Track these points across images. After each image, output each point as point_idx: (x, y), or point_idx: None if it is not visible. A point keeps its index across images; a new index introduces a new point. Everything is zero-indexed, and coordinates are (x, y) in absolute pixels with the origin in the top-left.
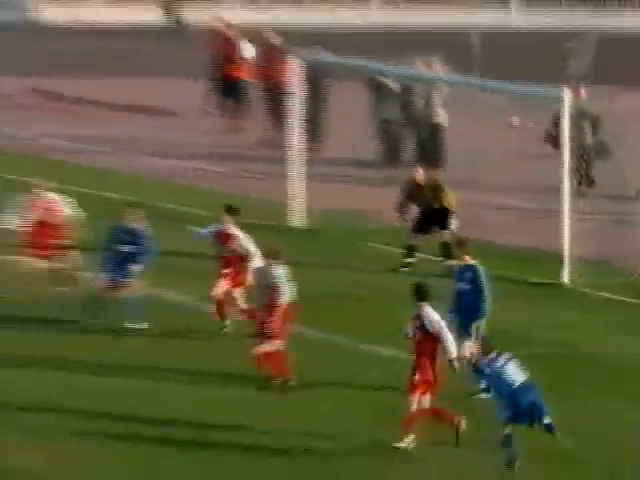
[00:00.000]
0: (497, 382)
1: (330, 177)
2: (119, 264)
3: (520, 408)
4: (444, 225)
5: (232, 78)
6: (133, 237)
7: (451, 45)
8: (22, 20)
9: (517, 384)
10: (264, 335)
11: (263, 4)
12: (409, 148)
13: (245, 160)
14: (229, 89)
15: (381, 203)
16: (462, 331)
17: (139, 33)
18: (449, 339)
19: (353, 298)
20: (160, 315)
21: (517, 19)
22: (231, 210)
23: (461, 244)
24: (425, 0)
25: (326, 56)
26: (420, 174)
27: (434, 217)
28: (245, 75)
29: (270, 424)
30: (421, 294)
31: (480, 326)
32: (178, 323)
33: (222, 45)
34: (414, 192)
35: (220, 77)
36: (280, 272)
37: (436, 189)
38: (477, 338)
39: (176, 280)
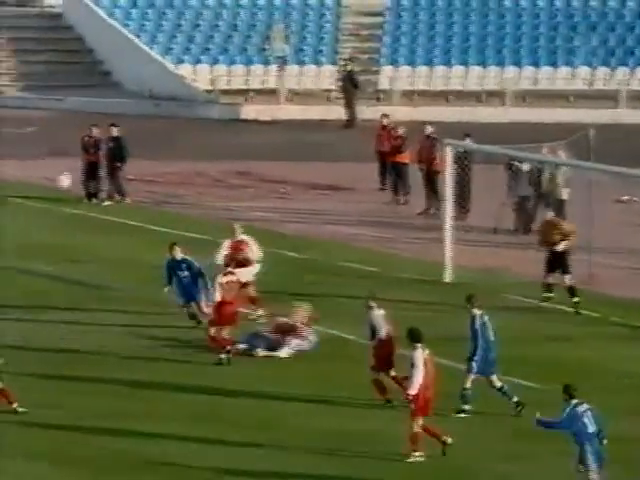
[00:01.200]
0: (579, 428)
1: (474, 241)
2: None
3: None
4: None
5: (397, 162)
6: (188, 266)
7: (571, 136)
8: (225, 116)
9: (591, 431)
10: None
11: (419, 102)
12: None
13: (407, 228)
14: (395, 170)
15: (515, 262)
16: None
17: (321, 126)
18: (413, 378)
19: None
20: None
21: (626, 115)
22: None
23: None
24: (550, 100)
25: (471, 144)
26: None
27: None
28: (408, 159)
29: None
30: (414, 337)
31: None
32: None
33: (387, 136)
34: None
35: (388, 161)
36: (378, 313)
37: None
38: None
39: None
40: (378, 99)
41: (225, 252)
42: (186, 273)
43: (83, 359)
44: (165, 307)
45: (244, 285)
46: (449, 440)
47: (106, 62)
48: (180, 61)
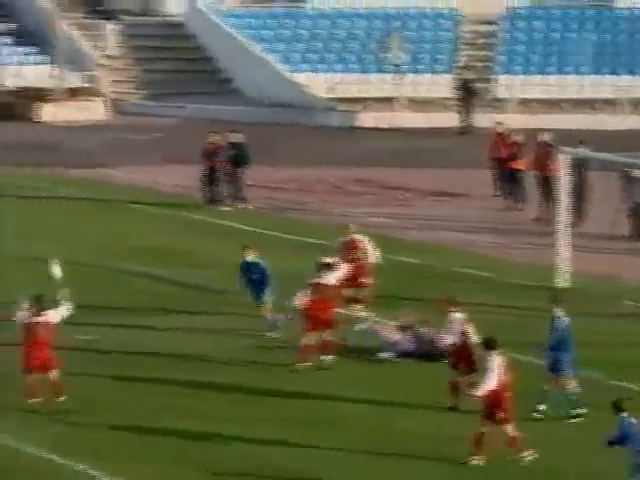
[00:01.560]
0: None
1: (589, 247)
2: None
3: None
4: None
5: (513, 169)
6: (257, 268)
7: None
8: (343, 124)
9: None
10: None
11: (534, 110)
12: None
13: (521, 234)
14: (510, 177)
15: (630, 268)
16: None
17: (437, 133)
18: (484, 378)
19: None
20: None
21: None
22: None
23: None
24: None
25: (586, 151)
26: None
27: None
28: (523, 166)
29: None
30: (489, 344)
31: None
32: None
33: (502, 143)
34: None
35: (503, 168)
36: (457, 317)
37: None
38: None
39: None
40: (494, 107)
41: (337, 250)
42: (256, 275)
43: (194, 360)
44: (278, 311)
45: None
46: (526, 454)
47: (226, 70)
48: (298, 70)
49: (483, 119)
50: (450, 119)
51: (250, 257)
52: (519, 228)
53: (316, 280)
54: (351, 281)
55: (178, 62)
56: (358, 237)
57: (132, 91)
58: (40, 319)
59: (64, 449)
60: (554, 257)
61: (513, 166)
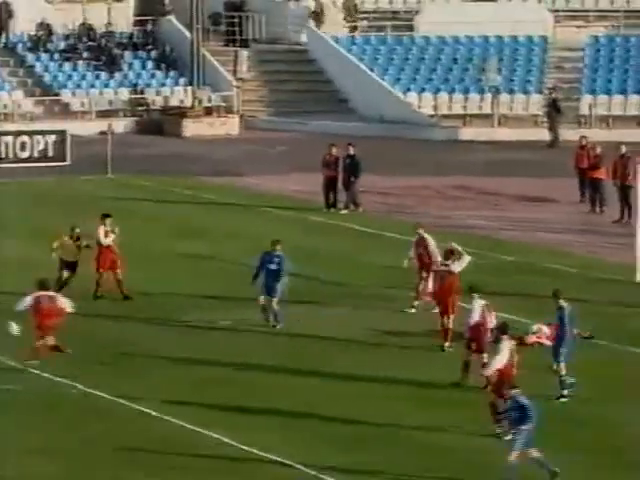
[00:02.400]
0: None
1: None
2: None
3: None
4: None
5: (595, 178)
6: (277, 259)
7: None
8: (446, 138)
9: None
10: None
11: (614, 126)
12: None
13: (603, 234)
14: (592, 185)
15: None
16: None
17: (528, 147)
18: (492, 362)
19: None
20: None
21: None
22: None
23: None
24: None
25: None
26: None
27: None
28: (604, 175)
29: None
30: (500, 330)
31: None
32: None
33: (585, 155)
34: None
35: (585, 176)
36: (479, 302)
37: None
38: None
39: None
40: (579, 123)
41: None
42: (274, 267)
43: (314, 347)
44: (394, 302)
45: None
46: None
47: (343, 91)
48: (407, 90)
49: (569, 134)
50: (540, 134)
51: (279, 251)
52: (601, 229)
53: (443, 267)
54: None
55: (302, 84)
56: (425, 236)
57: (262, 109)
58: None
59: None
60: (633, 255)
61: (595, 175)
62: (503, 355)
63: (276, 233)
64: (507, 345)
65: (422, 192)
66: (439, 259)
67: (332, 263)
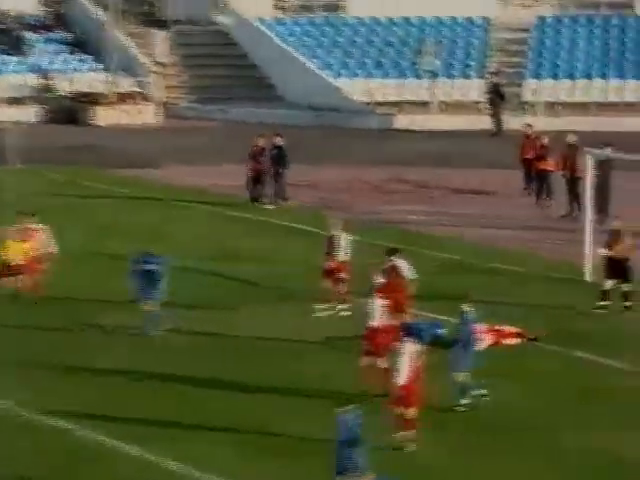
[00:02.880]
0: None
1: None
2: None
3: None
4: None
5: (542, 170)
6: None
7: None
8: (380, 126)
9: None
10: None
11: (561, 113)
12: None
13: (550, 230)
14: (539, 177)
15: None
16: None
17: (469, 135)
18: (399, 368)
19: None
20: None
21: None
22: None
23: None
24: None
25: (609, 152)
26: None
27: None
28: (550, 167)
29: None
30: (405, 330)
31: None
32: None
33: (531, 144)
34: None
35: (531, 168)
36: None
37: None
38: None
39: None
40: (523, 110)
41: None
42: (150, 266)
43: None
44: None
45: None
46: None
47: (269, 76)
48: (338, 75)
49: (513, 121)
50: (482, 122)
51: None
52: (547, 225)
53: (390, 264)
54: (329, 274)
55: (225, 68)
56: (339, 233)
57: (183, 96)
58: None
59: None
60: (581, 252)
61: (541, 166)
62: (406, 358)
63: (195, 230)
64: (410, 349)
65: (354, 185)
66: None
67: (254, 262)
